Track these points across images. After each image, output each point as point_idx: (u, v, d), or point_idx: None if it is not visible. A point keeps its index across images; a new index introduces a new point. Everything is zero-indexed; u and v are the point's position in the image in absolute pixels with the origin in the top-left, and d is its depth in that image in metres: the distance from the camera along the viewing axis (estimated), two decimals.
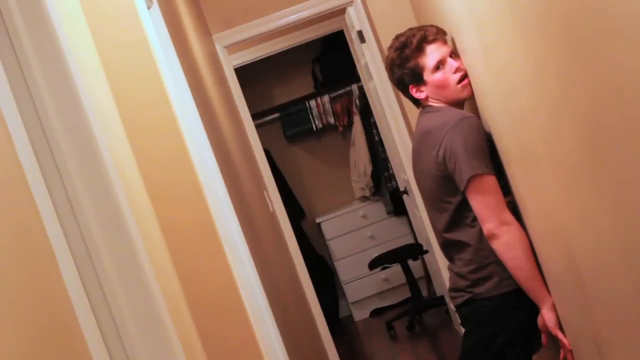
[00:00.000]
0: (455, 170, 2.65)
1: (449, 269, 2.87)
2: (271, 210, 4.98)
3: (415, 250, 6.34)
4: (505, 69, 2.17)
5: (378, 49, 4.52)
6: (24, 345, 1.46)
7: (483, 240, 2.68)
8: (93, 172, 1.91)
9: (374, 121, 6.68)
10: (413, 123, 3.31)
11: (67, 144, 1.88)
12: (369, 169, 7.02)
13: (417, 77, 2.80)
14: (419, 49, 2.78)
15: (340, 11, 5.28)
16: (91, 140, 1.93)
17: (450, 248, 2.82)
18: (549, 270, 2.50)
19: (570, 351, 2.52)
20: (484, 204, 2.62)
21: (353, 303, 7.08)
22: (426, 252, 5.91)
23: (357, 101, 7.09)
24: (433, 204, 2.83)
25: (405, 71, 2.81)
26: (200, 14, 4.80)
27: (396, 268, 6.71)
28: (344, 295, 7.15)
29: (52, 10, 1.93)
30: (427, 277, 6.67)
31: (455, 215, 2.73)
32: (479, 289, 2.72)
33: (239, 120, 4.97)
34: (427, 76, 2.79)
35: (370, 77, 5.02)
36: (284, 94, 7.42)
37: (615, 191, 1.51)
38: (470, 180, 2.62)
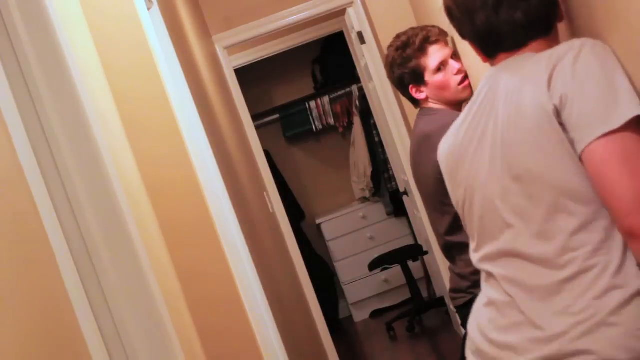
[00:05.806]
0: None
1: (450, 269, 2.87)
2: (271, 211, 4.98)
3: (415, 251, 6.33)
4: None
5: (378, 50, 4.52)
6: (24, 346, 1.46)
7: None
8: (93, 172, 1.91)
9: (374, 122, 6.67)
10: (413, 124, 3.31)
11: (67, 144, 1.88)
12: (369, 170, 7.02)
13: (418, 78, 2.79)
14: (422, 50, 2.77)
15: (340, 12, 5.27)
16: (91, 140, 1.93)
17: (451, 249, 2.81)
18: None
19: None
20: None
21: (353, 304, 7.08)
22: (426, 253, 5.91)
23: (357, 102, 7.09)
24: (434, 207, 2.82)
25: (406, 71, 2.80)
26: (200, 15, 4.80)
27: (396, 269, 6.71)
28: (344, 296, 7.15)
29: (52, 11, 1.94)
30: (427, 278, 6.67)
31: (458, 217, 2.72)
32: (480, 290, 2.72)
33: (238, 121, 4.97)
34: (429, 77, 2.78)
35: (370, 78, 5.02)
36: (284, 95, 7.42)
37: None
38: None
